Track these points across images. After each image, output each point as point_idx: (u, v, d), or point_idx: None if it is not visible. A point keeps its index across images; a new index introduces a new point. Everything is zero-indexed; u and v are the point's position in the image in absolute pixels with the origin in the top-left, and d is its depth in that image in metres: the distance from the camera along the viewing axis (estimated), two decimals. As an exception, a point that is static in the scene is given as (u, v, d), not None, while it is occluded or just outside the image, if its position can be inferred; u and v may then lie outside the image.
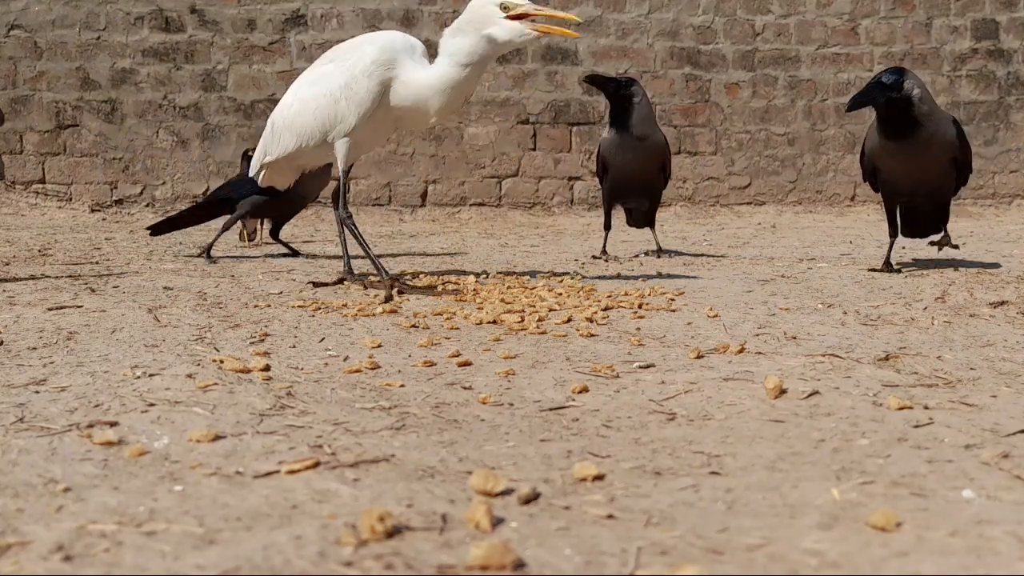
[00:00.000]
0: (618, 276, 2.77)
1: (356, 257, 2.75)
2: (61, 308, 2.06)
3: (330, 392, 1.35)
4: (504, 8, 2.29)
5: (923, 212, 2.89)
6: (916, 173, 2.70)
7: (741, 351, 1.64)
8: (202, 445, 1.08)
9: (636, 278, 2.69)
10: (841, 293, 2.36)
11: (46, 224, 4.98)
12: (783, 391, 1.35)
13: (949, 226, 2.94)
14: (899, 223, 2.87)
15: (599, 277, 2.73)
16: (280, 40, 5.69)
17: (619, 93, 3.24)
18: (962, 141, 2.68)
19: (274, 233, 3.64)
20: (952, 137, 2.65)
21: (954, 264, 2.99)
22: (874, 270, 2.82)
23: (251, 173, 2.77)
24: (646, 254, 3.49)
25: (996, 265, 2.93)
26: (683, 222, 5.43)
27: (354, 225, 2.52)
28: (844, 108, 2.75)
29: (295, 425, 1.17)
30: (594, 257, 3.40)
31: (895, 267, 2.82)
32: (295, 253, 3.51)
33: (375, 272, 2.50)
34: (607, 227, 3.44)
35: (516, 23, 2.30)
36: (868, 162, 2.77)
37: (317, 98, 2.47)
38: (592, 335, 1.80)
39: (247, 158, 3.97)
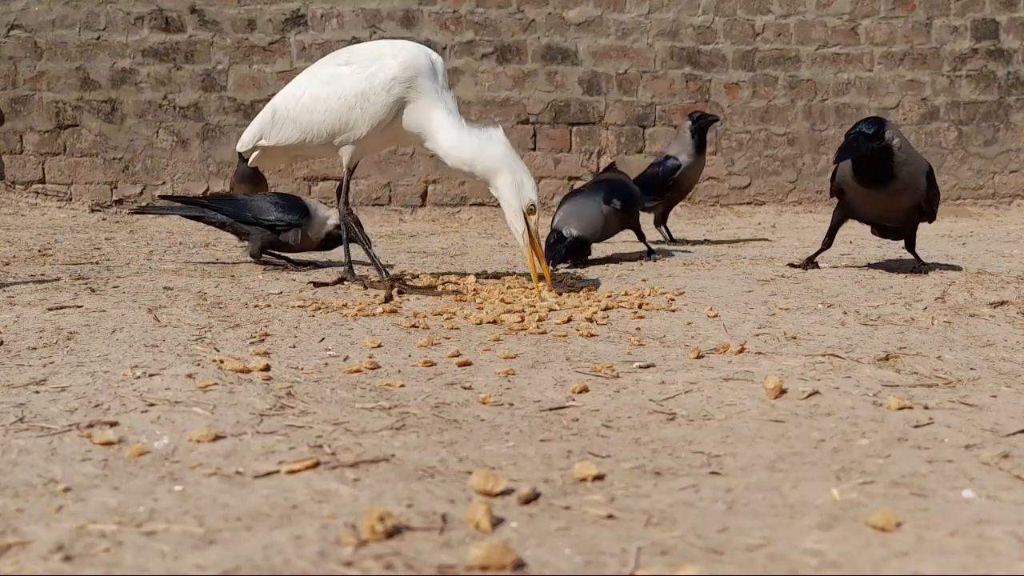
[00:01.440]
0: (618, 276, 2.77)
1: (358, 262, 2.75)
2: (61, 308, 2.06)
3: (330, 392, 1.35)
4: (529, 209, 2.32)
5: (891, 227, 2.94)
6: (880, 213, 2.78)
7: (741, 351, 1.64)
8: (202, 445, 1.08)
9: (636, 278, 2.69)
10: (841, 293, 2.36)
11: (46, 224, 4.98)
12: (783, 391, 1.34)
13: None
14: (836, 237, 2.94)
15: (599, 277, 2.73)
16: (280, 40, 5.69)
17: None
18: (930, 192, 2.73)
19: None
20: (922, 188, 2.68)
21: (954, 264, 2.98)
22: (793, 266, 2.93)
23: (240, 149, 2.70)
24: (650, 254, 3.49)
25: (996, 265, 2.93)
26: (683, 222, 5.42)
27: (356, 223, 2.50)
28: (833, 160, 2.76)
29: (295, 425, 1.17)
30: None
31: (817, 265, 2.91)
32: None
33: (376, 272, 2.49)
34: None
35: (520, 224, 2.32)
36: (837, 185, 2.80)
37: (329, 99, 2.41)
38: (592, 335, 1.80)
39: (242, 158, 3.90)
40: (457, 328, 1.89)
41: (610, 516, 0.87)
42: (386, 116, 2.35)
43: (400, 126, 2.40)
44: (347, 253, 2.60)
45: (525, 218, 2.32)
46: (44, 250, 3.48)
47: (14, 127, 5.57)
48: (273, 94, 2.49)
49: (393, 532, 0.81)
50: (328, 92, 2.42)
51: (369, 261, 2.57)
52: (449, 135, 2.34)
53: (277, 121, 2.54)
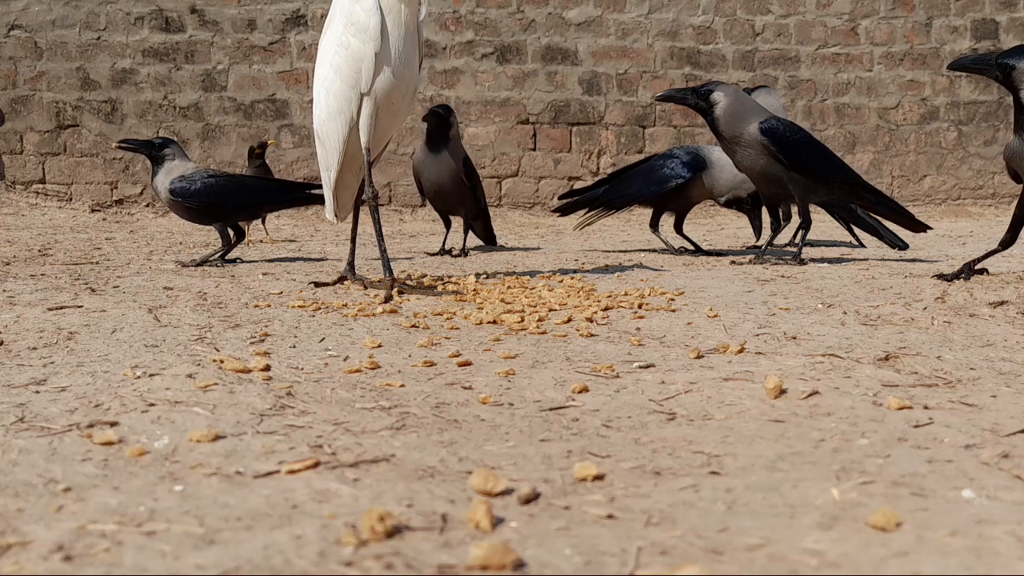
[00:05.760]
0: (618, 276, 2.77)
1: (372, 257, 2.74)
2: (61, 308, 2.06)
3: (330, 392, 1.35)
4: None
5: None
6: None
7: (741, 351, 1.64)
8: (202, 445, 1.08)
9: (636, 278, 2.69)
10: (841, 293, 2.36)
11: (46, 224, 4.98)
12: (783, 391, 1.34)
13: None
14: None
15: (599, 277, 2.73)
16: (280, 40, 5.69)
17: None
18: None
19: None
20: None
21: (954, 264, 2.98)
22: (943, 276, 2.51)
23: (328, 216, 2.62)
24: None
25: (996, 265, 2.93)
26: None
27: (377, 210, 2.44)
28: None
29: (295, 425, 1.17)
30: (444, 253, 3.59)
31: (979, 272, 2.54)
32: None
33: (381, 265, 2.48)
34: (448, 226, 3.82)
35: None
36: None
37: (332, 61, 2.34)
38: (592, 335, 1.80)
39: (253, 155, 3.99)
40: (457, 328, 1.89)
41: (610, 516, 0.87)
42: (376, 24, 2.26)
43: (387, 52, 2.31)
44: (352, 250, 2.61)
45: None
46: (44, 250, 3.48)
47: (14, 127, 5.57)
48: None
49: (393, 532, 0.81)
50: (325, 59, 2.38)
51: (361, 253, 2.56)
52: None
53: (324, 137, 2.46)
